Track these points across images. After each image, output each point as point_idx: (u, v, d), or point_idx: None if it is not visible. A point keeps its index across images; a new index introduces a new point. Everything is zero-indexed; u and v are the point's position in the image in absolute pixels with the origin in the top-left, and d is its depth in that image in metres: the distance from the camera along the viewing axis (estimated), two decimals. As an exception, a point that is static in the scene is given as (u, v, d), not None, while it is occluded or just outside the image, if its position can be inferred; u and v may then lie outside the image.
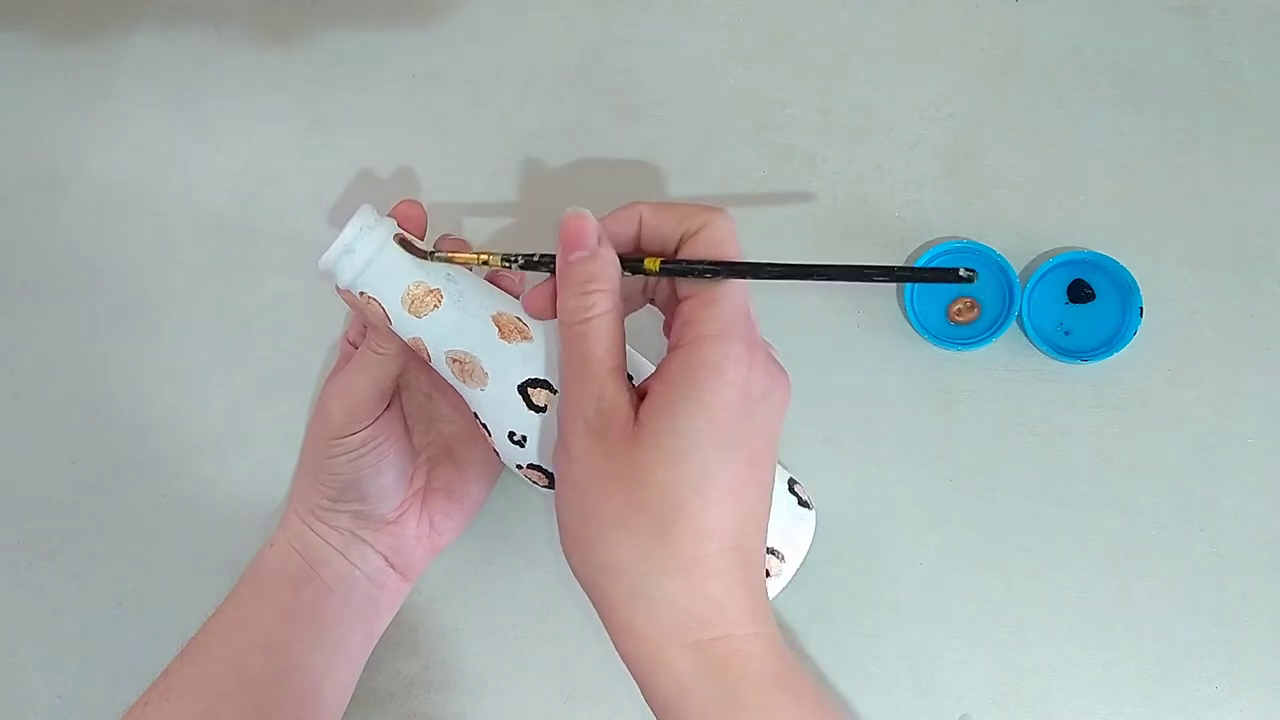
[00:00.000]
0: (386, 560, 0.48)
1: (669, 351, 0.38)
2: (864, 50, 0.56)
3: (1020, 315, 0.51)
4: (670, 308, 0.40)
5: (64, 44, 0.59)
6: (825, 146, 0.55)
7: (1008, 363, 0.52)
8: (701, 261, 0.38)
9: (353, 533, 0.47)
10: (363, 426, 0.45)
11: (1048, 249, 0.53)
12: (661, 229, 0.39)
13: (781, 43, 0.56)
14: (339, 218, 0.56)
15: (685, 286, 0.39)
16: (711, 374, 0.36)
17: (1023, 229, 0.53)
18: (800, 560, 0.43)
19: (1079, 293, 0.52)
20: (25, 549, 0.54)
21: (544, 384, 0.41)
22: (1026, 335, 0.52)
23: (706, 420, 0.35)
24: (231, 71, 0.58)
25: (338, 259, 0.41)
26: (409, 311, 0.41)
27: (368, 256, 0.41)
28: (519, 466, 0.43)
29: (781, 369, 0.38)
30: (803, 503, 0.45)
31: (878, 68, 0.56)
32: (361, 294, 0.41)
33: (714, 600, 0.35)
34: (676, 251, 0.39)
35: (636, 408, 0.37)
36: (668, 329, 0.40)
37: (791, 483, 0.45)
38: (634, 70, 0.56)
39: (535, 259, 0.40)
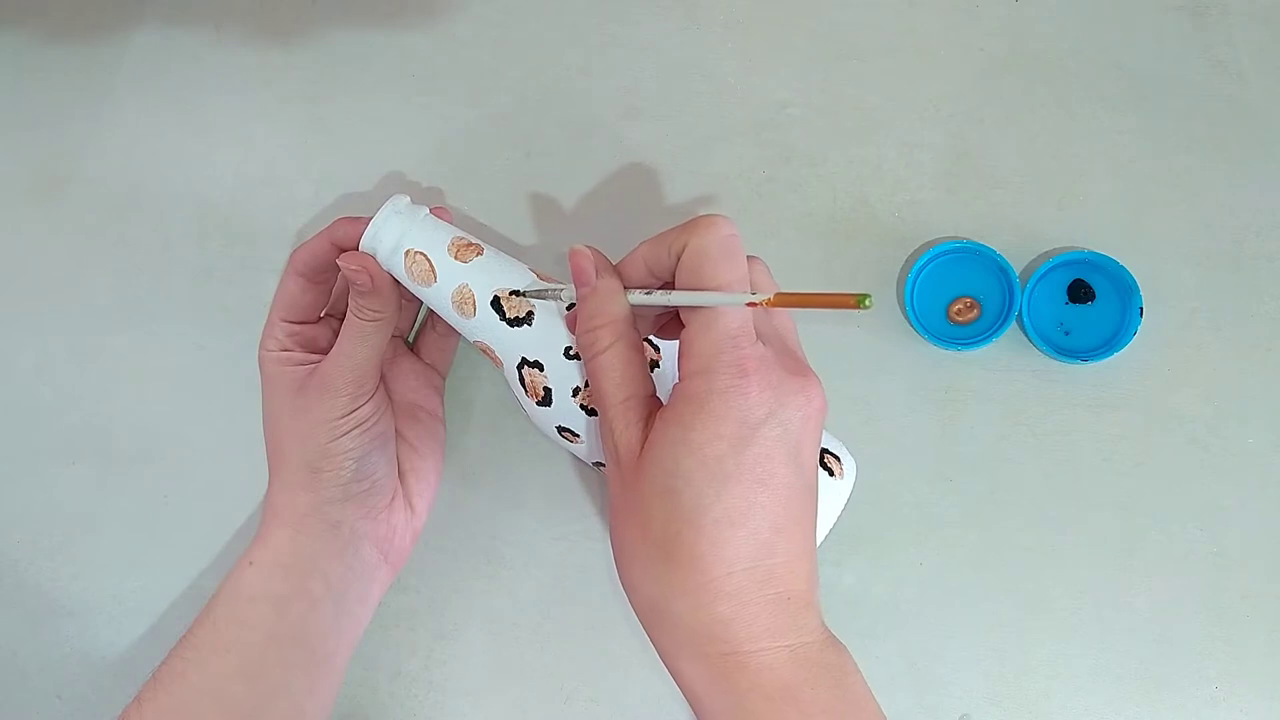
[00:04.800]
0: (380, 553, 0.48)
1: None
2: (864, 50, 0.56)
3: (1020, 315, 0.51)
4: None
5: (64, 44, 0.59)
6: (825, 146, 0.55)
7: (1008, 363, 0.52)
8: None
9: (351, 528, 0.47)
10: (369, 397, 0.46)
11: (1048, 249, 0.53)
12: (659, 261, 0.39)
13: (781, 43, 0.56)
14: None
15: (682, 315, 0.38)
16: (698, 412, 0.36)
17: (1023, 229, 0.53)
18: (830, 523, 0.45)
19: (1079, 293, 0.52)
20: (25, 549, 0.54)
21: None
22: (1026, 335, 0.52)
23: (696, 461, 0.36)
24: (231, 71, 0.58)
25: (388, 219, 0.45)
26: (455, 259, 0.45)
27: (417, 217, 0.45)
28: (575, 390, 0.44)
29: (800, 377, 0.37)
30: (830, 472, 0.45)
31: (878, 68, 0.56)
32: (408, 252, 0.45)
33: (721, 620, 0.36)
34: (673, 279, 0.39)
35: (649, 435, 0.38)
36: None
37: (824, 453, 0.45)
38: (634, 70, 0.56)
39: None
